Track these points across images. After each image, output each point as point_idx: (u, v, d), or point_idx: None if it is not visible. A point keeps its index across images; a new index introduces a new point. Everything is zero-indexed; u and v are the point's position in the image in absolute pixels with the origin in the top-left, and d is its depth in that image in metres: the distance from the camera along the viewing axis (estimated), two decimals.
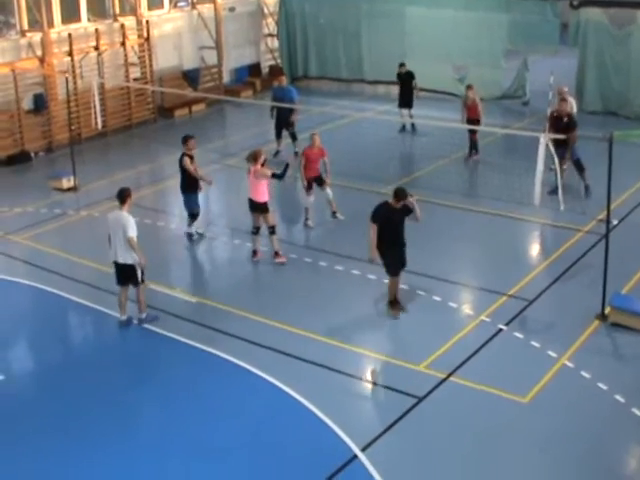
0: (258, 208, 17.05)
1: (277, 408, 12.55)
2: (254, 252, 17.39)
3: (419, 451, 11.52)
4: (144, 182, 22.91)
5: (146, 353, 14.65)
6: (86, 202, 21.40)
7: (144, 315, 15.06)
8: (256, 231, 17.32)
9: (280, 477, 11.10)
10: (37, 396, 13.35)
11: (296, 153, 22.92)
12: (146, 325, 14.92)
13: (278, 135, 24.37)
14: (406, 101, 26.00)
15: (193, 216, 18.62)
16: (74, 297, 16.14)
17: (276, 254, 17.18)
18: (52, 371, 13.95)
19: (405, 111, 26.09)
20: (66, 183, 22.33)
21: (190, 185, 18.40)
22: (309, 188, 18.83)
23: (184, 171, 18.34)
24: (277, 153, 24.01)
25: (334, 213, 19.22)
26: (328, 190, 19.00)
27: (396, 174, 22.59)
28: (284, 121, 24.05)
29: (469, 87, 23.52)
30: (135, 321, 15.09)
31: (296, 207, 20.37)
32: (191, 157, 18.40)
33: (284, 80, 25.41)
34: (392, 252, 14.76)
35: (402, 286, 15.60)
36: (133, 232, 14.55)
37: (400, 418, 12.12)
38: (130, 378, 13.73)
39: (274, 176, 17.09)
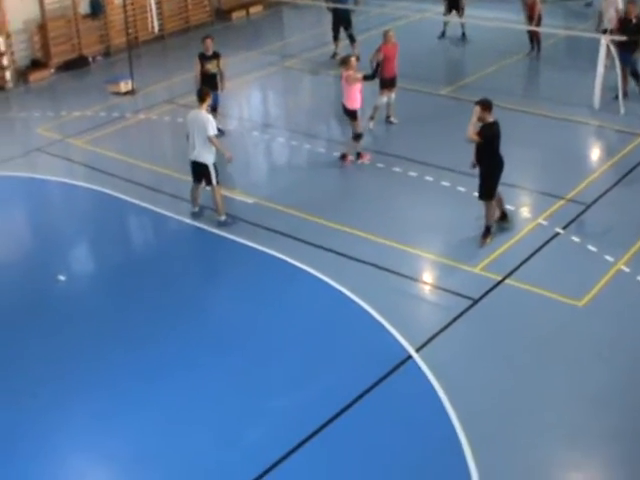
0: (347, 114, 16.99)
1: (334, 308, 12.71)
2: (343, 155, 17.34)
3: (473, 353, 11.61)
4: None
5: (206, 253, 14.95)
6: (144, 105, 21.48)
7: (222, 218, 15.17)
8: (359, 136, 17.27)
9: (336, 374, 11.25)
10: (98, 298, 13.63)
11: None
12: (214, 230, 15.06)
13: (335, 37, 24.04)
14: (455, 5, 25.06)
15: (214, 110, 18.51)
16: (133, 199, 16.31)
17: (359, 155, 17.20)
18: (113, 272, 14.20)
19: (451, 16, 25.19)
20: (124, 87, 22.38)
21: (204, 82, 18.26)
22: (383, 87, 18.50)
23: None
24: (334, 55, 23.72)
25: (388, 117, 19.08)
26: (393, 94, 18.83)
27: (453, 76, 22.29)
28: (342, 22, 23.73)
29: None
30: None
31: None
32: (206, 57, 18.56)
33: None
34: (493, 173, 14.08)
35: (460, 189, 15.59)
36: (213, 131, 14.71)
37: (455, 320, 12.21)
38: (191, 278, 13.96)
39: (365, 78, 16.89)
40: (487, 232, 14.16)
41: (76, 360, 11.82)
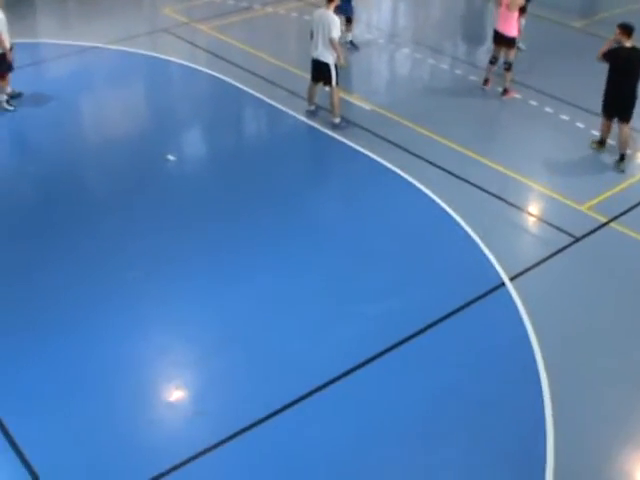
0: (504, 41, 16.30)
1: (435, 223, 12.69)
2: (485, 80, 16.90)
3: (567, 290, 11.47)
4: None
5: (315, 152, 15.07)
6: None
7: (337, 120, 15.16)
8: (494, 61, 16.68)
9: (427, 288, 11.31)
10: (205, 179, 13.90)
11: None
12: (327, 130, 15.07)
13: None
14: None
15: (349, 20, 18.34)
16: (250, 90, 16.42)
17: (505, 91, 16.62)
18: (222, 157, 14.45)
19: None
20: None
21: None
22: (522, 11, 17.61)
23: None
24: None
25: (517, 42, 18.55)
26: (523, 20, 18.26)
27: (589, 7, 21.60)
28: None
29: None
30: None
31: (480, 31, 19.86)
32: None
33: None
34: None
35: (579, 124, 15.29)
36: (337, 33, 14.63)
37: (553, 255, 12.07)
38: (296, 174, 14.04)
39: (522, 10, 16.43)
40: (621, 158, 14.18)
41: (176, 234, 12.19)
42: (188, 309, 10.84)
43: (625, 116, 14.05)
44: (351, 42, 18.53)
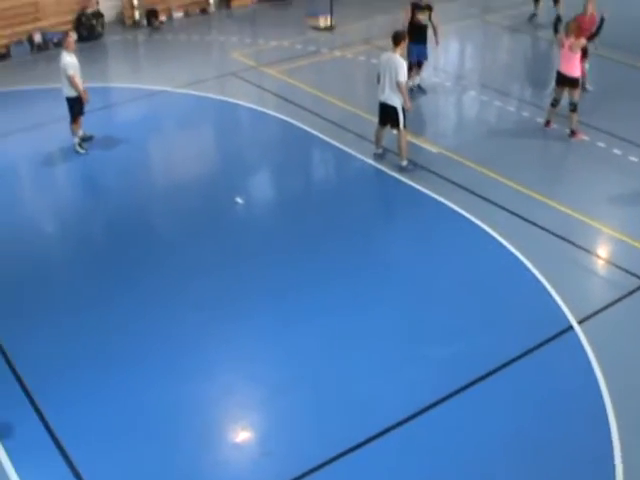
0: (567, 82, 16.24)
1: (502, 266, 12.63)
2: (547, 122, 16.84)
3: (636, 334, 11.31)
4: (399, 28, 22.74)
5: (383, 195, 15.13)
6: (341, 42, 21.66)
7: (404, 163, 15.22)
8: (556, 103, 16.61)
9: (495, 331, 11.24)
10: (274, 224, 13.98)
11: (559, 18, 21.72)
12: (394, 173, 15.12)
13: None
14: None
15: (419, 64, 18.39)
16: (318, 133, 16.58)
17: (572, 132, 16.49)
18: (292, 201, 14.57)
19: None
20: (323, 22, 22.63)
21: (411, 32, 17.57)
22: (584, 54, 17.20)
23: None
24: (532, 16, 23.14)
25: (583, 84, 18.41)
26: (587, 64, 18.11)
27: None
28: None
29: None
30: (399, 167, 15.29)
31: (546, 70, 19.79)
32: (418, 7, 17.83)
33: None
34: None
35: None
36: (403, 77, 14.69)
37: (623, 298, 11.91)
38: (364, 217, 14.05)
39: (590, 37, 16.43)
40: None
41: (243, 273, 12.36)
42: (253, 348, 10.92)
43: None
44: (419, 86, 18.62)
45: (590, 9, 17.44)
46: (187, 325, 11.30)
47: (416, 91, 18.38)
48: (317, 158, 16.63)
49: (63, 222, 14.18)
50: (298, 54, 20.85)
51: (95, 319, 11.40)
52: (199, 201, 14.49)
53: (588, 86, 18.10)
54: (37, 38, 21.53)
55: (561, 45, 16.21)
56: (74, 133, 16.01)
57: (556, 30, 16.61)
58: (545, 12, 22.95)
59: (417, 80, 18.56)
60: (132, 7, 23.38)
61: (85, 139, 16.26)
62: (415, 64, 18.17)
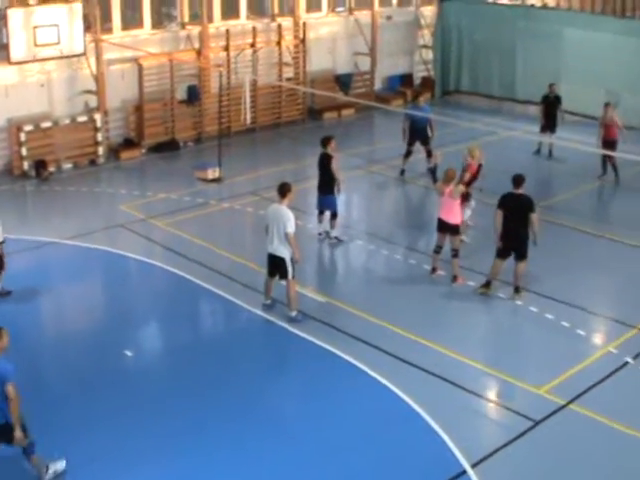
0: (448, 229, 16.60)
1: (391, 413, 12.64)
2: (433, 269, 17.11)
3: (528, 476, 11.39)
4: (287, 180, 23.09)
5: (272, 347, 15.03)
6: (229, 194, 21.92)
7: (294, 313, 15.21)
8: (439, 250, 16.94)
9: (390, 478, 11.20)
10: (164, 378, 13.78)
11: (432, 170, 22.25)
12: (284, 324, 15.14)
13: (408, 152, 23.15)
14: (550, 125, 25.00)
15: (334, 216, 18.68)
16: (207, 284, 16.56)
17: (454, 277, 16.80)
18: (178, 354, 14.38)
19: (546, 135, 25.06)
20: (211, 174, 22.89)
21: (332, 186, 18.36)
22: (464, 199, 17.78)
23: (326, 171, 18.42)
24: (402, 172, 23.20)
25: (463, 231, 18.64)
26: (468, 210, 18.56)
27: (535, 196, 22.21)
28: (420, 138, 23.02)
29: (607, 105, 23.01)
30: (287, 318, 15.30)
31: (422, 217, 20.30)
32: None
33: (422, 101, 23.91)
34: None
35: (531, 308, 15.53)
36: (291, 228, 14.75)
37: (514, 440, 12.01)
38: (254, 370, 13.96)
39: (469, 183, 17.06)
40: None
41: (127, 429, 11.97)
42: None
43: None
44: (336, 237, 18.82)
45: (477, 154, 18.16)
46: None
47: (334, 242, 18.74)
48: (206, 310, 16.57)
49: None
50: (187, 206, 20.99)
51: None
52: (86, 355, 14.21)
53: (464, 237, 18.14)
54: None
55: (441, 193, 16.70)
56: None
57: (434, 179, 17.15)
58: (422, 163, 23.56)
59: (334, 232, 18.79)
60: (21, 157, 23.28)
61: (2, 294, 15.92)
62: (330, 215, 18.62)
